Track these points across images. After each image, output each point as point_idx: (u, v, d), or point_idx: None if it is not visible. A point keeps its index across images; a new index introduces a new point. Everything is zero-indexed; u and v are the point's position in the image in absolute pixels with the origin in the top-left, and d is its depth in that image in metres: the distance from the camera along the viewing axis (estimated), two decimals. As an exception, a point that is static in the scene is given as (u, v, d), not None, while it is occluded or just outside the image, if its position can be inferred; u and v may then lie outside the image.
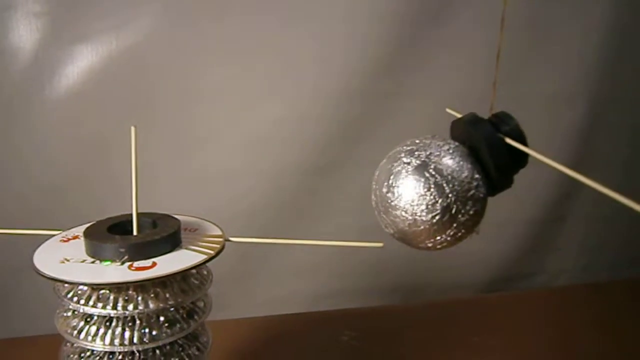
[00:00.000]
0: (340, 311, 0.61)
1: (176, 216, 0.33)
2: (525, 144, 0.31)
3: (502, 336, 0.55)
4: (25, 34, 0.55)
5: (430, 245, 0.31)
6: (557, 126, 0.70)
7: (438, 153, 0.30)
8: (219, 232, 0.33)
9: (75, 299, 0.29)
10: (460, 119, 0.33)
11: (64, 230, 0.34)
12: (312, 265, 0.67)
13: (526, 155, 0.31)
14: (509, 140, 0.31)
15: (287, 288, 0.68)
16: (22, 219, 0.55)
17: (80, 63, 0.56)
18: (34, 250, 0.31)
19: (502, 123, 0.32)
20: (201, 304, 0.33)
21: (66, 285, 0.29)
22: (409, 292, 0.72)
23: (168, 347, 0.31)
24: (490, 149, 0.30)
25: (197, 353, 0.32)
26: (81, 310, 0.29)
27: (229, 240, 0.32)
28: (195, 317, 0.32)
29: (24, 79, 0.56)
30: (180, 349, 0.32)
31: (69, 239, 0.33)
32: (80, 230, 0.33)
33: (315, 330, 0.56)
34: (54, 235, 0.33)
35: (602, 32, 0.67)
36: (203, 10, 0.57)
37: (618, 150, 0.74)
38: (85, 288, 0.29)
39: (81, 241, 0.31)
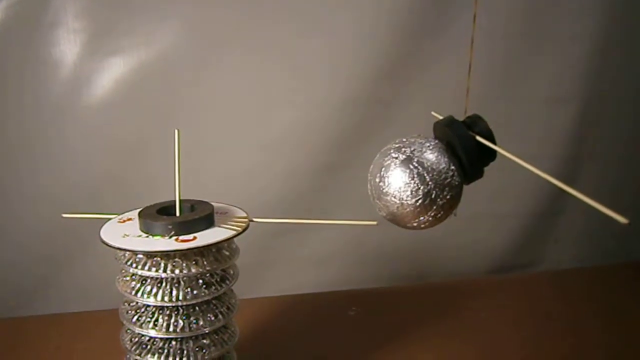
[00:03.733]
0: (348, 292, 0.68)
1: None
2: (493, 141, 0.38)
3: (495, 312, 0.61)
4: (66, 48, 0.60)
5: (415, 224, 0.38)
6: (552, 126, 0.75)
7: (420, 149, 0.37)
8: (244, 215, 0.41)
9: (134, 265, 0.37)
10: (440, 120, 0.40)
11: (119, 214, 0.42)
12: (327, 254, 0.73)
13: (494, 151, 0.38)
14: (479, 138, 0.38)
15: (303, 276, 0.73)
16: (72, 205, 0.60)
17: (114, 74, 0.62)
18: (99, 229, 0.39)
19: (474, 124, 0.38)
20: (231, 272, 0.40)
21: (127, 253, 0.37)
22: (416, 280, 0.77)
23: (205, 305, 0.39)
24: (463, 145, 0.37)
25: (227, 311, 0.40)
26: (139, 274, 0.37)
27: (253, 221, 0.40)
28: (227, 281, 0.39)
29: (65, 89, 0.62)
30: (215, 307, 0.39)
31: (124, 221, 0.40)
32: (132, 214, 0.41)
33: (324, 306, 0.63)
34: (111, 219, 0.41)
35: (594, 38, 0.71)
36: (221, 25, 0.62)
37: (611, 149, 0.78)
38: (142, 256, 0.37)
39: (134, 222, 0.39)
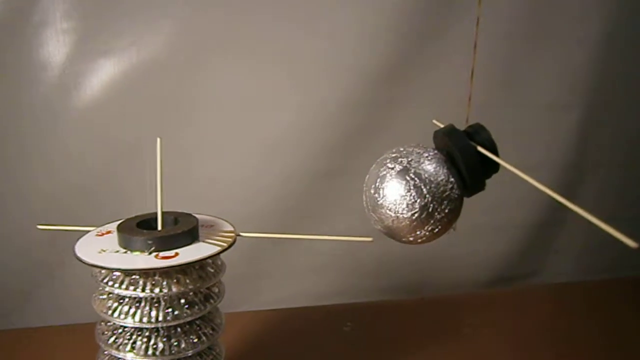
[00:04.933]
0: (343, 305, 0.66)
1: (194, 214, 0.38)
2: (496, 152, 0.35)
3: (496, 329, 0.59)
4: (54, 48, 0.58)
5: (411, 239, 0.35)
6: (556, 132, 0.73)
7: (418, 159, 0.35)
8: (231, 228, 0.38)
9: (110, 283, 0.34)
10: (440, 129, 0.38)
11: (98, 227, 0.39)
12: (320, 266, 0.71)
13: (497, 163, 0.35)
14: (480, 149, 0.35)
15: (295, 287, 0.71)
16: (51, 219, 0.60)
17: (103, 75, 0.60)
18: (74, 244, 0.36)
19: (475, 134, 0.36)
20: (216, 290, 0.38)
21: (103, 271, 0.35)
22: (412, 291, 0.75)
23: (187, 325, 0.36)
24: (464, 156, 0.35)
25: (212, 332, 0.37)
26: (115, 293, 0.34)
27: (240, 235, 0.37)
28: (211, 300, 0.37)
29: (52, 90, 0.60)
30: (198, 328, 0.37)
31: (103, 234, 0.38)
32: (112, 226, 0.38)
33: (318, 321, 0.61)
34: (89, 231, 0.39)
35: (597, 44, 0.70)
36: (215, 26, 0.61)
37: (615, 155, 0.77)
38: (119, 273, 0.34)
39: (114, 236, 0.36)
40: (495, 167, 0.36)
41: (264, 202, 0.66)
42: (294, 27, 0.62)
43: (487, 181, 0.37)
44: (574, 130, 0.74)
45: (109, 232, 0.38)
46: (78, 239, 0.37)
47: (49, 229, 0.40)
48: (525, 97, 0.71)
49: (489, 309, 0.64)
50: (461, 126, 0.37)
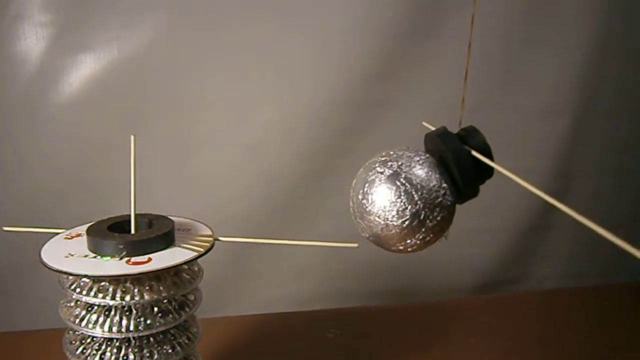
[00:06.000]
0: (327, 311, 0.64)
1: (170, 217, 0.36)
2: (490, 156, 0.34)
3: (484, 336, 0.57)
4: (32, 42, 0.57)
5: (401, 248, 0.34)
6: (546, 137, 0.73)
7: (409, 164, 0.33)
8: (209, 232, 0.36)
9: (78, 290, 0.32)
10: (431, 132, 0.36)
11: (67, 229, 0.37)
12: (304, 269, 0.69)
13: (491, 167, 0.34)
14: (474, 153, 0.34)
15: (279, 290, 0.70)
16: (25, 219, 0.57)
17: (83, 71, 0.58)
18: (41, 247, 0.34)
19: (469, 137, 0.34)
20: (192, 297, 0.36)
21: (70, 277, 0.32)
22: (399, 296, 0.74)
23: (161, 335, 0.34)
24: (457, 161, 0.33)
25: (187, 342, 0.35)
26: (83, 300, 0.32)
27: (218, 240, 0.35)
28: (187, 309, 0.35)
29: (29, 86, 0.58)
30: (172, 337, 0.35)
31: (72, 237, 0.36)
32: (82, 229, 0.36)
33: (302, 328, 0.59)
34: (58, 234, 0.36)
35: (589, 49, 0.70)
36: (200, 21, 0.59)
37: (606, 159, 0.76)
38: (88, 280, 0.32)
39: (84, 239, 0.34)
40: (490, 172, 0.34)
41: (246, 204, 0.65)
42: (281, 23, 0.61)
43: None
44: (564, 136, 0.73)
45: (78, 235, 0.36)
46: (44, 243, 0.35)
47: (15, 231, 0.37)
48: (517, 102, 0.70)
49: (476, 315, 0.63)
50: (453, 129, 0.35)
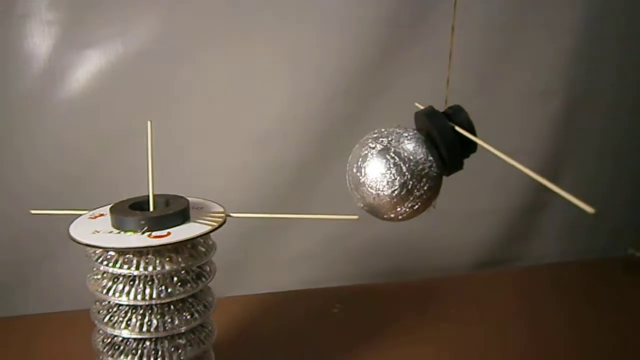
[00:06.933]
0: (332, 288, 0.67)
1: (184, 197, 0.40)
2: (473, 133, 0.37)
3: (482, 310, 0.60)
4: (39, 40, 0.59)
5: (392, 216, 0.37)
6: (534, 120, 0.75)
7: (398, 139, 0.36)
8: (221, 209, 0.40)
9: (105, 262, 0.36)
10: (420, 110, 0.39)
11: (90, 210, 0.41)
12: (310, 251, 0.72)
13: (474, 142, 0.37)
14: (459, 129, 0.37)
15: (286, 272, 0.73)
16: (41, 205, 0.61)
17: (90, 67, 0.60)
18: (68, 226, 0.37)
19: (454, 114, 0.38)
20: (207, 269, 0.39)
21: (98, 251, 0.36)
22: (400, 275, 0.77)
23: (180, 303, 0.38)
24: (442, 136, 0.36)
25: (204, 309, 0.39)
26: (110, 271, 0.35)
27: (230, 216, 0.39)
28: (203, 279, 0.38)
29: (37, 82, 0.60)
30: (191, 305, 0.38)
31: (96, 217, 0.39)
32: (104, 209, 0.40)
33: (308, 303, 0.62)
34: (82, 215, 0.40)
35: (575, 34, 0.72)
36: (203, 16, 0.61)
37: (593, 144, 0.79)
38: (114, 253, 0.36)
39: (106, 218, 0.38)
40: (473, 146, 0.38)
41: (252, 192, 0.67)
42: (282, 20, 0.63)
43: (470, 165, 0.38)
44: (554, 118, 0.75)
45: (101, 215, 0.39)
46: (70, 223, 0.38)
47: (42, 214, 0.41)
48: (505, 84, 0.72)
49: (474, 291, 0.66)
50: (442, 109, 0.39)
